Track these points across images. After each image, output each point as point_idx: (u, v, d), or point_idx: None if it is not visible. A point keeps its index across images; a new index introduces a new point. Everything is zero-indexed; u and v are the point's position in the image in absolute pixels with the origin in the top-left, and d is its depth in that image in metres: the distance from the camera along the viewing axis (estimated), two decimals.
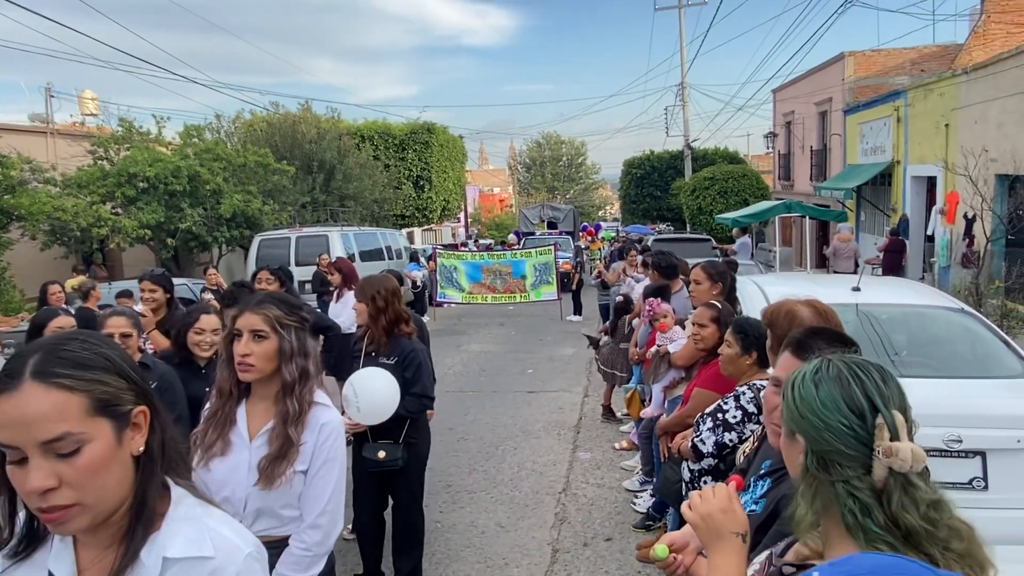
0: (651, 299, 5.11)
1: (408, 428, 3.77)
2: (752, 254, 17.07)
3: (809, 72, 22.05)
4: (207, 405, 2.28)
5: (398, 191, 26.98)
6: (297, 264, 14.18)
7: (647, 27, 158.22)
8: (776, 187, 26.09)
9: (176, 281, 9.39)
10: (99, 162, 16.11)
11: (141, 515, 1.14)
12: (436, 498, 5.41)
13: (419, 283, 15.16)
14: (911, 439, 1.10)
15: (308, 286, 12.52)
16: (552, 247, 15.93)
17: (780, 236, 16.55)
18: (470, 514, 5.25)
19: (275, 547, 2.07)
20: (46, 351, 1.09)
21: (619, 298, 7.66)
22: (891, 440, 1.08)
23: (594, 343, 7.83)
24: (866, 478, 1.09)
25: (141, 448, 1.15)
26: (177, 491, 1.21)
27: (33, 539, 1.17)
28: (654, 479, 5.00)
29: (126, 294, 6.84)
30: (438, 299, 15.31)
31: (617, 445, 6.60)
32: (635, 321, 7.39)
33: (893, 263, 13.13)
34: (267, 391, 2.17)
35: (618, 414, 7.42)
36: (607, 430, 7.24)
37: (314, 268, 12.35)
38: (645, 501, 5.11)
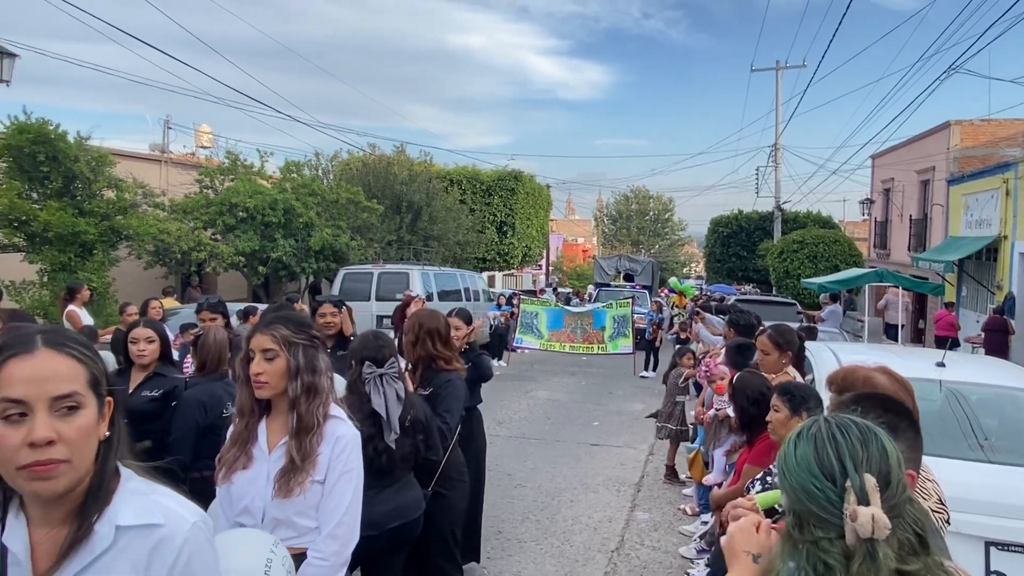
0: (708, 359, 4.96)
1: (439, 477, 3.64)
2: (840, 324, 16.36)
3: (911, 139, 21.27)
4: (230, 430, 2.38)
5: (481, 235, 27.43)
6: (378, 299, 14.57)
7: (742, 86, 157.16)
8: (871, 255, 25.04)
9: (262, 307, 9.83)
10: (204, 191, 17.15)
11: (98, 492, 1.23)
12: (485, 543, 5.32)
13: (492, 323, 15.24)
14: (886, 503, 1.07)
15: (386, 321, 12.80)
16: (630, 300, 15.77)
17: (871, 306, 15.81)
18: (517, 563, 5.14)
19: (295, 559, 2.12)
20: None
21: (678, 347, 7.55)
22: (858, 504, 1.06)
23: (655, 416, 7.70)
24: (838, 542, 1.05)
25: (107, 433, 1.27)
26: (125, 471, 1.31)
27: None
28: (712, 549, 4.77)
29: (190, 327, 7.05)
30: (515, 344, 15.34)
31: (689, 509, 6.28)
32: (683, 372, 7.18)
33: (996, 343, 12.31)
34: (284, 406, 2.27)
35: (682, 476, 7.16)
36: (669, 491, 6.99)
37: (394, 303, 12.64)
38: (700, 572, 4.87)
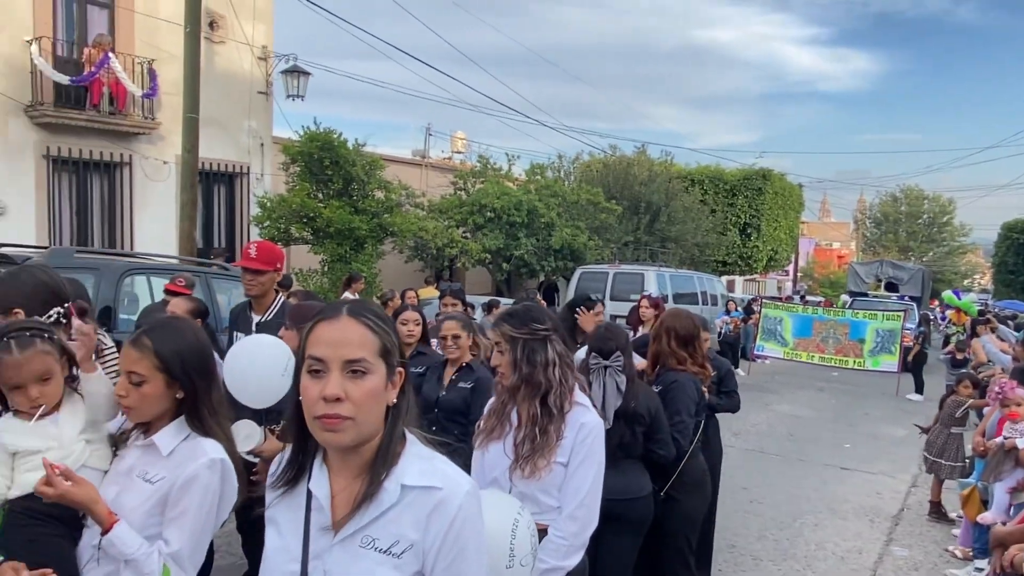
0: (1005, 381, 4.21)
1: (674, 481, 3.56)
2: None
3: None
4: (490, 401, 2.58)
5: (722, 237, 26.26)
6: (612, 299, 14.61)
7: None
8: None
9: (505, 301, 10.37)
10: (458, 192, 18.50)
11: (386, 453, 1.36)
12: (716, 556, 5.05)
13: (720, 330, 14.49)
14: None
15: (620, 320, 12.78)
16: (902, 313, 14.04)
17: None
18: None
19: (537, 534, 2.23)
20: (356, 302, 1.41)
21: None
22: None
23: (926, 431, 6.73)
24: None
25: (394, 401, 1.37)
26: (410, 436, 1.42)
27: (299, 471, 1.41)
28: None
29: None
30: (755, 352, 14.47)
31: (959, 552, 5.42)
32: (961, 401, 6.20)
33: None
34: (527, 392, 2.41)
35: (952, 515, 6.20)
36: (934, 529, 6.10)
37: (628, 304, 12.58)
38: None
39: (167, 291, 6.30)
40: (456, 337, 3.75)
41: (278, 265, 4.00)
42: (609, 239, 19.69)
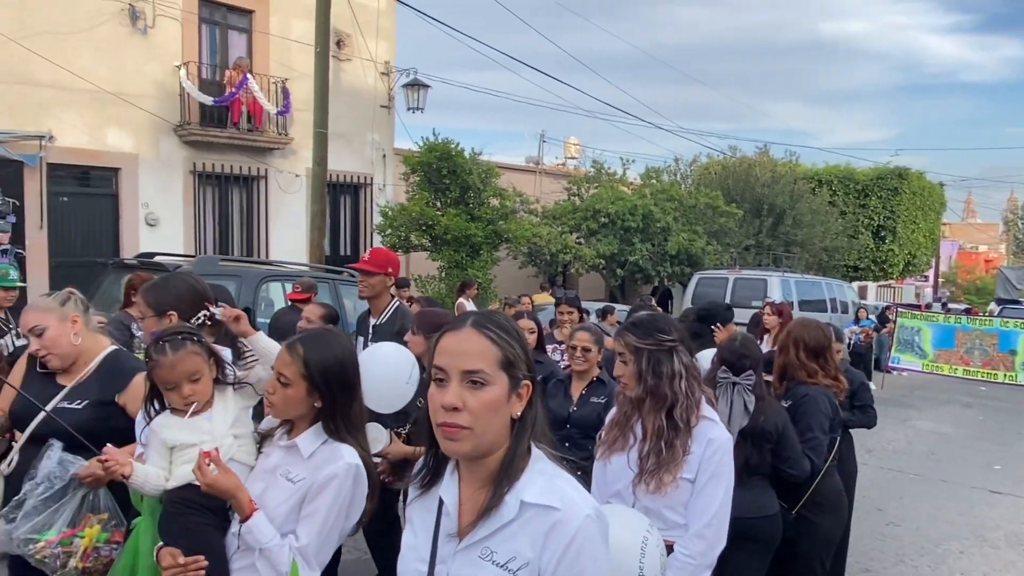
0: None
1: (806, 500, 3.35)
2: None
3: None
4: (611, 412, 2.53)
5: (853, 240, 24.72)
6: (732, 305, 14.09)
7: None
8: None
9: (619, 307, 10.25)
10: (572, 198, 18.47)
11: (509, 466, 1.36)
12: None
13: (851, 340, 13.60)
14: None
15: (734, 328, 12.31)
16: None
17: None
18: None
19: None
20: (482, 313, 1.45)
21: None
22: None
23: None
24: None
25: (519, 413, 1.37)
26: (536, 452, 1.40)
27: (435, 475, 1.46)
28: None
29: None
30: (890, 364, 13.50)
31: None
32: None
33: None
34: (652, 405, 2.33)
35: None
36: None
37: (750, 310, 12.10)
38: None
39: (290, 299, 6.68)
40: (587, 350, 3.70)
41: (390, 269, 4.05)
42: (728, 243, 19.04)
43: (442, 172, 13.89)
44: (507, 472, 1.35)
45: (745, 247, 19.96)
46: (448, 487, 1.42)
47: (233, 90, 12.76)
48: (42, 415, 2.48)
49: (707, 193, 18.98)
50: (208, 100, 12.59)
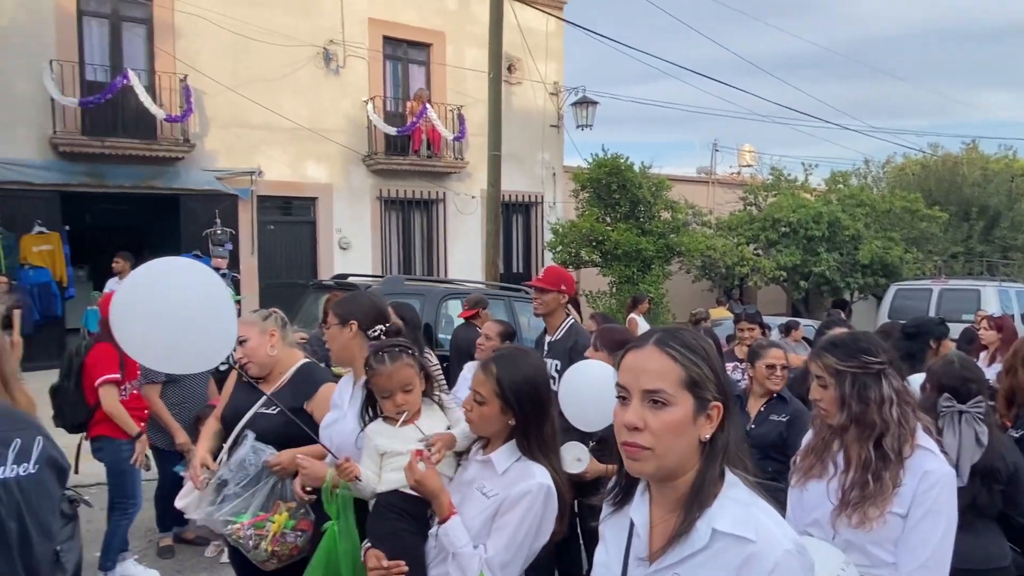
0: None
1: None
2: None
3: None
4: (806, 438, 2.34)
5: None
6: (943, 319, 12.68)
7: None
8: None
9: (804, 322, 9.59)
10: (748, 208, 17.64)
11: (699, 491, 1.30)
12: None
13: None
14: None
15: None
16: None
17: None
18: None
19: None
20: (667, 330, 1.39)
21: None
22: None
23: None
24: None
25: (707, 436, 1.31)
26: (731, 477, 1.34)
27: (626, 494, 1.44)
28: None
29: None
30: None
31: None
32: None
33: None
34: (857, 433, 2.11)
35: None
36: None
37: (960, 324, 10.83)
38: None
39: (462, 317, 6.91)
40: (785, 367, 3.58)
41: (563, 287, 4.10)
42: (931, 251, 17.22)
43: (612, 187, 13.86)
44: (697, 497, 1.30)
45: (952, 254, 17.96)
46: (639, 508, 1.39)
47: (414, 120, 13.60)
48: (246, 418, 2.82)
49: (904, 196, 17.33)
50: (392, 131, 13.52)
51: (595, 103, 15.48)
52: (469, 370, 4.53)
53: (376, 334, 2.65)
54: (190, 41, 11.73)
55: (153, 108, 11.01)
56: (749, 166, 23.73)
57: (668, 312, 14.40)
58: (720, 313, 12.13)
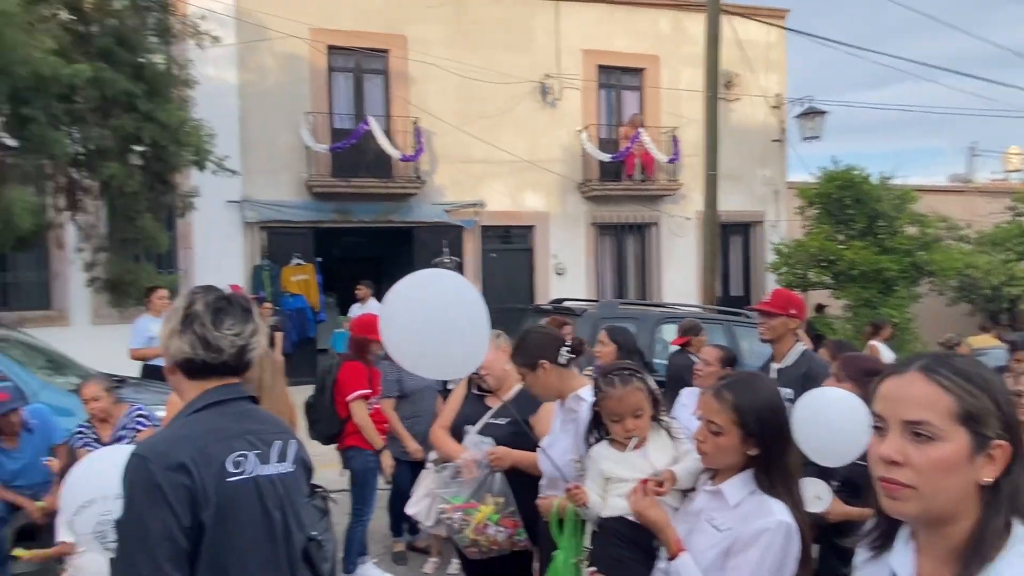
0: None
1: None
2: None
3: None
4: None
5: None
6: None
7: None
8: None
9: None
10: (1018, 218, 15.28)
11: (979, 543, 1.14)
12: None
13: None
14: None
15: None
16: None
17: None
18: None
19: None
20: (936, 355, 1.22)
21: None
22: None
23: None
24: None
25: (989, 480, 1.14)
26: (1021, 530, 1.15)
27: (886, 539, 1.27)
28: None
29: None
30: None
31: None
32: None
33: None
34: None
35: None
36: None
37: None
38: None
39: (674, 344, 6.63)
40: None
41: (792, 311, 3.86)
42: None
43: (845, 202, 12.76)
44: (976, 550, 1.13)
45: None
46: (902, 557, 1.23)
47: (628, 145, 13.59)
48: (478, 426, 3.08)
49: None
50: (606, 157, 13.61)
51: (823, 112, 14.39)
52: (687, 396, 4.33)
53: (566, 360, 2.65)
54: (421, 86, 12.79)
55: (390, 149, 12.13)
56: (1018, 171, 20.63)
57: (916, 339, 12.83)
58: (984, 341, 10.53)
